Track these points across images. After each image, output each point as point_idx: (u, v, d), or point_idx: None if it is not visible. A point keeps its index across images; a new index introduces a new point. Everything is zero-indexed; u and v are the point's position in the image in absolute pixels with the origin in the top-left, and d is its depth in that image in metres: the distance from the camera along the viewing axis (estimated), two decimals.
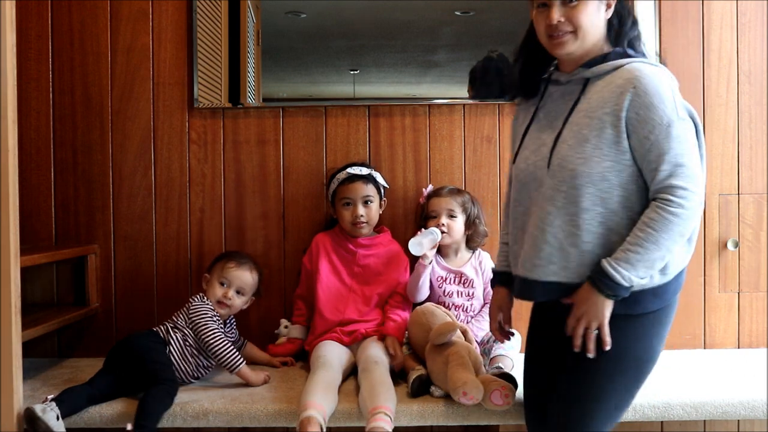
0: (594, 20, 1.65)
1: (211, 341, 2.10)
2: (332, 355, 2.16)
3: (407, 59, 2.61)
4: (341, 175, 2.37)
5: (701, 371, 2.26)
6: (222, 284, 2.21)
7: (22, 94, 2.46)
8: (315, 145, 2.57)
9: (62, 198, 2.56)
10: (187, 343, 2.13)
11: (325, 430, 1.84)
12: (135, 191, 2.56)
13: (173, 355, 2.11)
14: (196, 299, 2.19)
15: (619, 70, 1.63)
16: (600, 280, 1.56)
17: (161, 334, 2.14)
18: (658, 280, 1.61)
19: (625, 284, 1.55)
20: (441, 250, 2.37)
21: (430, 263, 2.29)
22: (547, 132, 1.69)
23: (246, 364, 2.15)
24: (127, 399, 2.01)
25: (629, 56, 1.66)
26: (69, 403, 1.92)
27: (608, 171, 1.59)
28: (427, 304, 2.24)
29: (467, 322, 2.29)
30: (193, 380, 2.16)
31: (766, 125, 2.57)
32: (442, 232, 2.30)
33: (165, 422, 1.96)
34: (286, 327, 2.43)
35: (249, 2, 2.56)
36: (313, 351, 2.22)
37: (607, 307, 1.58)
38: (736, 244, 2.56)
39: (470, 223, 2.37)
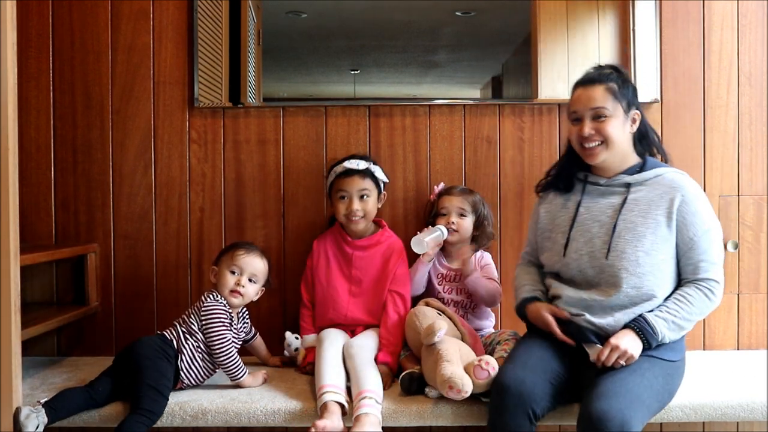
0: (619, 133, 1.98)
1: (219, 349, 2.07)
2: (333, 335, 2.20)
3: (408, 59, 2.61)
4: (338, 169, 2.35)
5: (701, 373, 2.26)
6: (233, 273, 2.15)
7: (23, 92, 2.46)
8: (315, 145, 2.57)
9: (62, 197, 2.56)
10: (199, 350, 2.10)
11: (345, 401, 1.94)
12: (135, 190, 2.56)
13: (183, 364, 2.07)
14: (209, 298, 2.13)
15: (660, 177, 1.99)
16: (644, 328, 1.87)
17: (174, 343, 2.09)
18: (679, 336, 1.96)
19: (659, 338, 1.87)
20: (445, 249, 2.37)
21: (430, 261, 2.30)
22: (596, 226, 2.00)
23: (248, 363, 2.15)
24: (125, 403, 1.99)
25: (661, 164, 2.02)
26: (63, 406, 1.91)
27: (663, 263, 1.93)
28: (419, 306, 2.21)
29: (467, 319, 2.29)
30: (200, 383, 2.13)
31: (767, 127, 2.57)
32: (451, 230, 2.30)
33: (164, 422, 1.96)
34: (297, 338, 2.36)
35: (250, 2, 2.56)
36: (316, 338, 2.25)
37: (640, 348, 1.86)
38: (736, 246, 2.55)
39: (479, 224, 2.37)
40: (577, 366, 1.93)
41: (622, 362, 1.84)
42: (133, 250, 2.57)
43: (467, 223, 2.35)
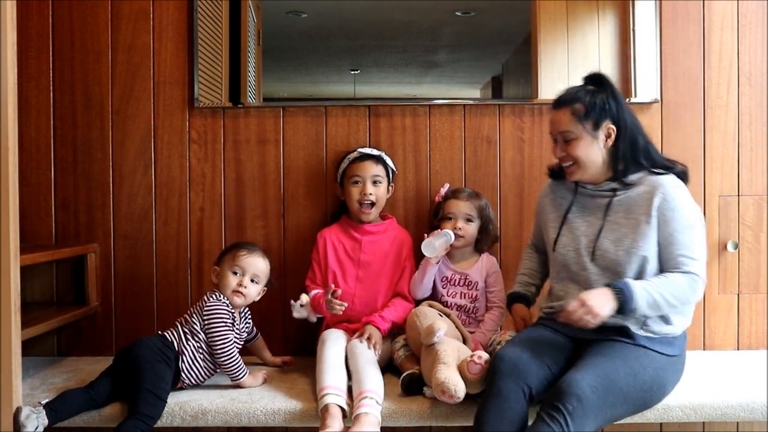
0: (588, 153, 2.01)
1: (220, 349, 2.07)
2: (333, 334, 2.22)
3: (408, 59, 2.61)
4: (353, 155, 2.42)
5: (700, 373, 2.26)
6: (235, 273, 2.15)
7: (23, 92, 2.46)
8: (315, 145, 2.57)
9: (62, 197, 2.56)
10: (200, 350, 2.09)
11: (346, 404, 1.94)
12: (135, 190, 2.56)
13: (184, 365, 2.07)
14: (211, 298, 2.12)
15: (643, 178, 2.01)
16: (623, 290, 1.86)
17: (175, 345, 2.08)
18: (678, 331, 2.00)
19: (634, 305, 1.85)
20: (448, 252, 2.35)
21: (437, 263, 2.30)
22: (583, 226, 2.07)
23: (248, 363, 2.14)
24: (124, 403, 1.98)
25: (646, 169, 2.02)
26: (64, 407, 1.91)
27: (643, 260, 1.96)
28: (422, 305, 2.21)
29: (469, 324, 2.29)
30: (201, 383, 2.13)
31: (767, 127, 2.57)
32: (457, 236, 2.29)
33: (164, 422, 1.96)
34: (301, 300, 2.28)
35: (250, 2, 2.55)
36: (318, 338, 2.26)
37: (609, 309, 1.85)
38: (736, 246, 2.55)
39: (483, 228, 2.37)
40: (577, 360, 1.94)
41: (588, 318, 1.83)
42: (133, 250, 2.57)
43: (473, 229, 2.35)
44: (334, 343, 2.15)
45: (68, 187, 2.56)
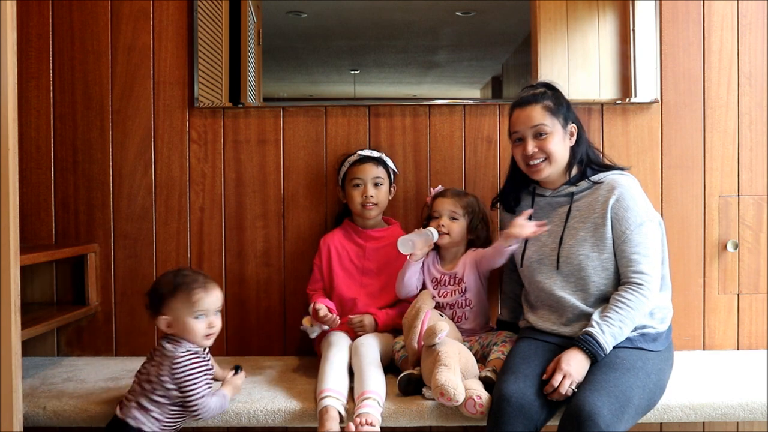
0: (560, 148, 2.08)
1: (198, 408, 1.84)
2: (338, 337, 2.22)
3: (408, 59, 2.61)
4: (353, 157, 2.42)
5: (700, 373, 2.26)
6: (198, 317, 1.86)
7: (23, 92, 2.46)
8: (315, 145, 2.57)
9: (62, 197, 2.56)
10: (165, 414, 1.85)
11: (344, 410, 1.93)
12: (135, 190, 2.56)
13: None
14: (179, 349, 1.84)
15: (599, 182, 2.07)
16: (594, 351, 1.89)
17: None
18: (663, 327, 2.05)
19: (608, 351, 1.91)
20: (440, 253, 2.35)
21: (417, 261, 2.25)
22: (544, 236, 2.11)
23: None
24: None
25: (601, 170, 2.10)
26: None
27: (605, 261, 2.02)
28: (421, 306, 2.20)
29: (461, 316, 2.28)
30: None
31: (767, 127, 2.57)
32: (442, 233, 2.27)
33: None
34: (311, 324, 2.22)
35: (250, 2, 2.56)
36: (322, 341, 2.25)
37: (587, 366, 1.89)
38: (736, 246, 2.55)
39: (473, 227, 2.33)
40: None
41: (573, 388, 1.84)
42: (133, 250, 2.56)
43: (459, 226, 2.30)
44: (339, 349, 2.14)
45: (68, 187, 2.56)
